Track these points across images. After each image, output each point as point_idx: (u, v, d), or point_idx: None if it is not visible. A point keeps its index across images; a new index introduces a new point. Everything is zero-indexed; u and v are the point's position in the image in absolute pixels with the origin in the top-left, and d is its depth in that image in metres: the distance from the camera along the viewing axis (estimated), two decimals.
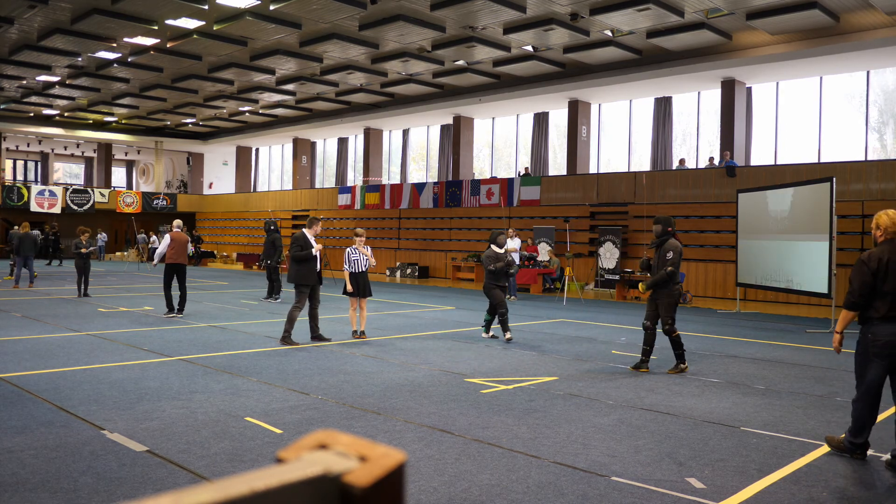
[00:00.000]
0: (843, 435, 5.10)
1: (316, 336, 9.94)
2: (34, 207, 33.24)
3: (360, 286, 10.07)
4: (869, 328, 4.89)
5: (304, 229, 9.88)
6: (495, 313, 10.36)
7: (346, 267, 10.05)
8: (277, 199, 34.71)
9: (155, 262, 13.08)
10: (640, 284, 8.72)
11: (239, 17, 18.13)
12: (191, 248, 13.02)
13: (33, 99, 29.87)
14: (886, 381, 5.02)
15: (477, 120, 28.94)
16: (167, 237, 12.49)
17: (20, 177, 43.27)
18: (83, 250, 15.75)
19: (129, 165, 46.28)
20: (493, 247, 10.45)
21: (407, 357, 8.83)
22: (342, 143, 34.84)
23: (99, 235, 35.53)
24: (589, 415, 6.09)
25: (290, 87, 26.41)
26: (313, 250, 9.62)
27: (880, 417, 6.26)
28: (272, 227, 16.03)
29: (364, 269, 10.13)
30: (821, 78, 20.53)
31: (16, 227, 22.54)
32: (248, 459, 4.74)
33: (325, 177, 36.92)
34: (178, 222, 13.11)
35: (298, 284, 9.68)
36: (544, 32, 18.88)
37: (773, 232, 14.30)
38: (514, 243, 17.97)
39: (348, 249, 10.19)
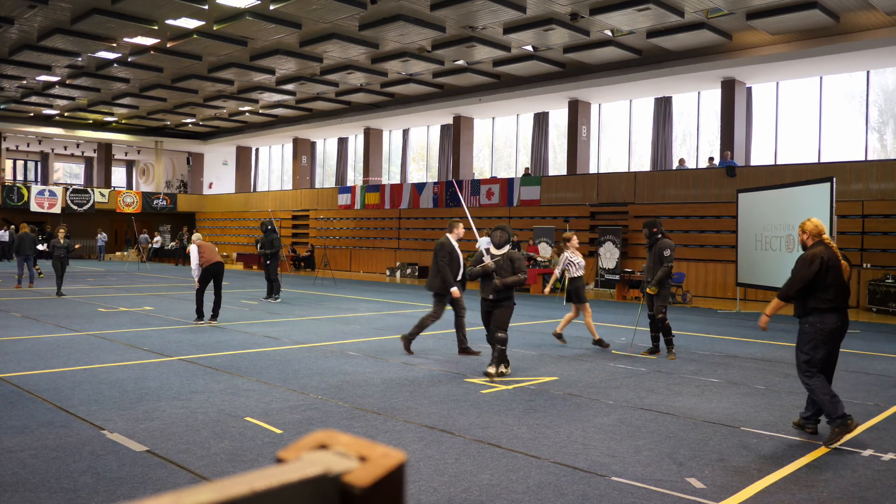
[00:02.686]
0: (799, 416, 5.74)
1: (464, 349, 9.05)
2: (34, 207, 33.24)
3: (580, 291, 9.76)
4: (817, 318, 5.47)
5: (447, 234, 9.24)
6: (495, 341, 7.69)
7: (565, 272, 9.80)
8: (277, 199, 34.71)
9: (196, 278, 11.63)
10: (647, 288, 9.09)
11: (239, 17, 18.13)
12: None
13: (33, 99, 29.87)
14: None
15: (477, 120, 28.94)
16: (194, 250, 11.69)
17: (20, 177, 43.27)
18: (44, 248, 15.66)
19: (129, 165, 46.28)
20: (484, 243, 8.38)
21: (407, 357, 8.83)
22: (342, 143, 34.84)
23: (99, 235, 35.54)
24: (589, 415, 6.09)
25: (290, 87, 26.41)
26: (485, 258, 7.79)
27: (881, 416, 6.26)
28: (269, 227, 15.97)
29: (580, 274, 9.81)
30: (821, 78, 20.53)
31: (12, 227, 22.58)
32: (248, 459, 4.74)
33: (325, 177, 36.92)
34: (197, 235, 12.47)
35: (439, 294, 9.01)
36: (544, 32, 18.88)
37: (773, 232, 14.29)
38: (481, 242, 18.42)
39: (566, 254, 9.91)
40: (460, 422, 5.75)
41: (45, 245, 16.26)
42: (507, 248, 7.65)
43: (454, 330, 9.22)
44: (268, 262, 15.79)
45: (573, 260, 9.88)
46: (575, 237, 10.10)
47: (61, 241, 16.28)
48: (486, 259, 7.57)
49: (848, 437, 5.38)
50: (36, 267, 22.61)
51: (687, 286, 18.91)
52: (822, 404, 5.33)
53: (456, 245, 9.10)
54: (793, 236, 13.67)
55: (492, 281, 7.55)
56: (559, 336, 10.06)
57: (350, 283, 22.51)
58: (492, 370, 7.54)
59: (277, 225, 30.53)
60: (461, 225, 9.48)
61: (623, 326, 12.40)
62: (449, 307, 9.12)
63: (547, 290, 10.67)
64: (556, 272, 10.28)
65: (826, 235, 5.62)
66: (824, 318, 5.43)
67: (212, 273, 11.62)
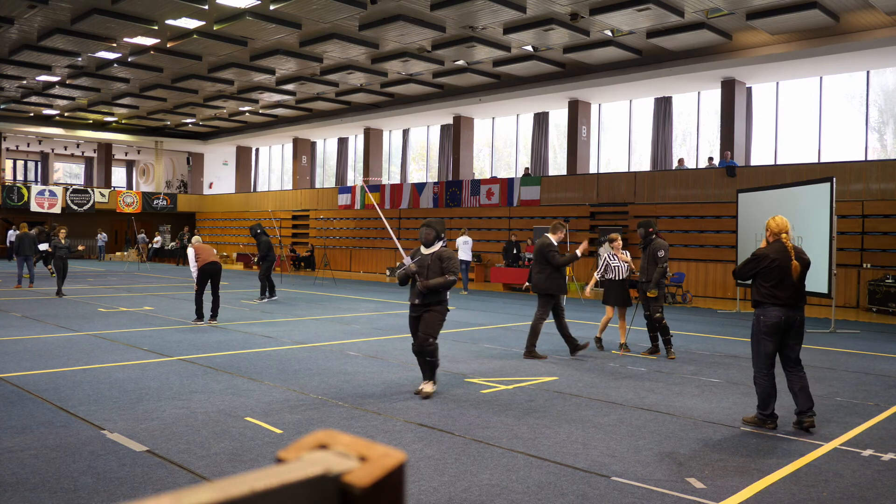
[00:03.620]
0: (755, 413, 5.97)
1: (576, 347, 9.07)
2: (34, 207, 33.24)
3: (620, 295, 9.48)
4: (761, 311, 5.82)
5: (546, 234, 9.25)
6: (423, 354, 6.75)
7: (603, 274, 9.59)
8: (277, 199, 34.71)
9: (195, 279, 11.60)
10: (648, 292, 9.14)
11: (239, 17, 18.13)
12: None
13: (33, 99, 29.87)
14: None
15: (477, 120, 28.94)
16: (191, 252, 11.68)
17: (20, 177, 43.27)
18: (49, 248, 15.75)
19: (129, 165, 46.28)
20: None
21: (407, 357, 8.83)
22: (342, 143, 34.84)
23: (99, 235, 35.53)
24: (589, 415, 6.09)
25: (290, 87, 26.40)
26: (405, 261, 7.30)
27: (881, 416, 6.26)
28: (259, 231, 15.88)
29: (623, 277, 9.51)
30: (821, 78, 20.53)
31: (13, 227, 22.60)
32: (248, 459, 4.74)
33: (325, 177, 36.92)
34: (196, 238, 12.52)
35: (548, 294, 8.92)
36: (544, 32, 18.88)
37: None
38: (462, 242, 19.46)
39: (605, 255, 9.72)
40: (460, 422, 5.75)
41: (49, 245, 16.28)
42: (437, 247, 6.74)
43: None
44: (261, 262, 15.82)
45: (610, 262, 9.65)
46: (619, 239, 9.77)
47: (62, 241, 16.30)
48: (407, 261, 6.65)
49: (758, 431, 5.70)
50: (49, 267, 22.84)
51: (687, 286, 18.91)
52: (757, 395, 5.85)
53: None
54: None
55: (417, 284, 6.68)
56: (599, 341, 9.72)
57: (350, 283, 22.52)
58: (430, 388, 6.63)
59: (277, 225, 30.57)
60: (564, 228, 9.53)
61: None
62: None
63: (588, 291, 10.41)
64: (597, 275, 10.13)
65: (785, 234, 5.87)
66: (767, 312, 5.77)
67: (209, 273, 11.61)
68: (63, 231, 16.60)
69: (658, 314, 9.05)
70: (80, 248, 17.25)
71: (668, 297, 17.10)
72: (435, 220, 6.85)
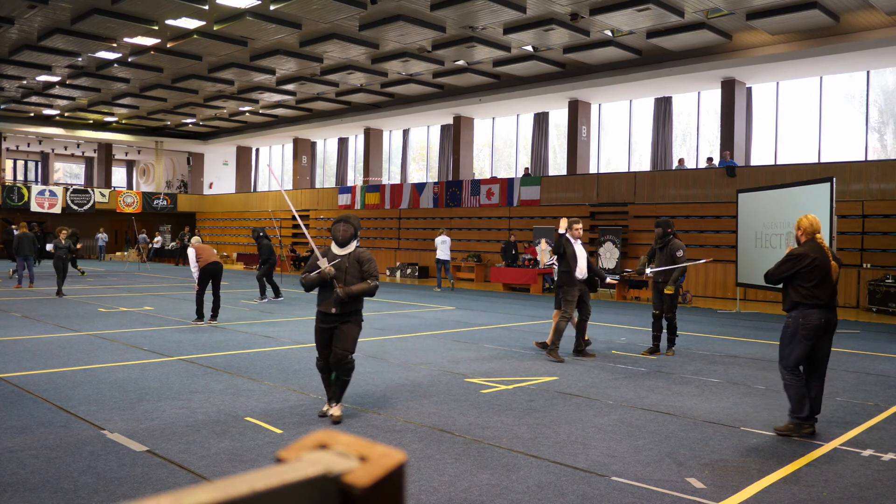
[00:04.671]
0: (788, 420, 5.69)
1: (581, 351, 9.07)
2: (34, 207, 33.24)
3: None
4: (800, 313, 5.61)
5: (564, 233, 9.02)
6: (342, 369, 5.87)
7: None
8: (277, 199, 34.71)
9: (196, 280, 11.55)
10: (665, 289, 9.14)
11: (239, 17, 18.13)
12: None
13: (33, 99, 29.87)
14: None
15: (477, 120, 28.94)
16: (191, 252, 11.63)
17: (20, 177, 43.27)
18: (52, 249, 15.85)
19: (130, 165, 46.28)
20: (332, 243, 6.02)
21: (407, 357, 8.83)
22: (342, 143, 34.84)
23: (99, 235, 35.53)
24: (589, 415, 6.09)
25: (290, 87, 26.41)
26: (320, 262, 7.15)
27: (881, 416, 6.26)
28: (261, 234, 15.90)
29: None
30: (821, 78, 20.53)
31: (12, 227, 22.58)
32: (248, 459, 4.74)
33: (325, 177, 36.92)
34: (197, 238, 12.48)
35: (566, 288, 8.85)
36: (544, 32, 18.87)
37: (774, 230, 14.29)
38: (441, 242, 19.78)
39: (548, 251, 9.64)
40: (460, 422, 5.75)
41: (51, 245, 16.30)
42: (353, 247, 5.86)
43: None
44: (262, 265, 15.77)
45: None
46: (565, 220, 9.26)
47: (62, 241, 16.33)
48: (322, 263, 5.72)
49: (797, 438, 5.51)
50: (79, 268, 23.00)
51: (687, 286, 18.91)
52: (790, 399, 5.61)
53: (576, 243, 9.00)
54: (793, 234, 13.66)
55: (332, 290, 5.76)
56: (587, 342, 9.55)
57: None
58: (339, 411, 5.80)
59: (277, 225, 30.55)
60: (579, 224, 9.25)
61: (623, 326, 12.40)
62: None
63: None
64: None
65: (819, 235, 5.72)
66: (807, 314, 5.57)
67: (210, 274, 11.61)
68: (65, 232, 16.63)
69: (671, 314, 9.21)
70: (77, 246, 17.26)
71: (683, 298, 17.12)
72: (353, 216, 6.05)
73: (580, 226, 9.19)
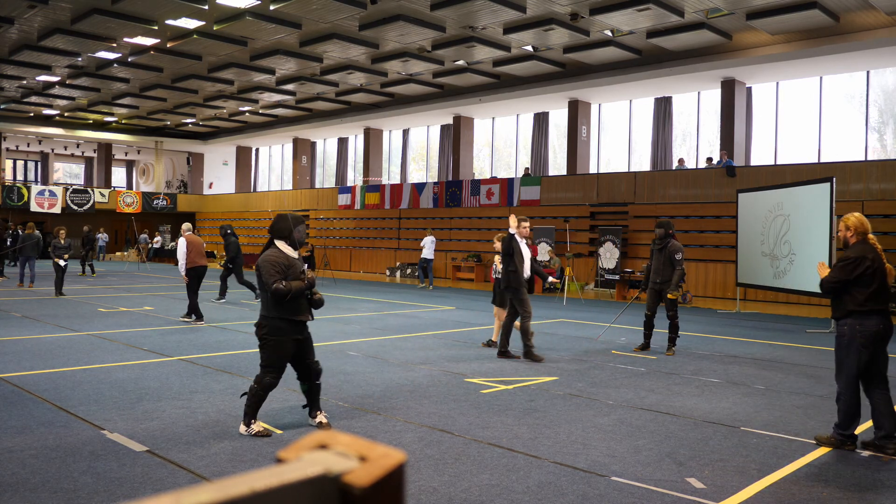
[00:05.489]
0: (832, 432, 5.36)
1: (503, 352, 8.87)
2: (34, 207, 33.24)
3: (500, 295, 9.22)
4: (857, 320, 5.24)
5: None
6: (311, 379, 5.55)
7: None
8: (277, 199, 34.71)
9: (184, 274, 11.69)
10: (668, 294, 9.23)
11: (239, 17, 18.12)
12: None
13: (33, 99, 29.87)
14: None
15: (477, 120, 28.94)
16: (182, 243, 11.64)
17: (20, 177, 43.26)
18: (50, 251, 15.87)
19: (129, 165, 46.28)
20: (280, 244, 5.42)
21: (407, 357, 8.83)
22: (342, 143, 34.84)
23: (99, 235, 35.53)
24: (589, 415, 6.09)
25: (290, 87, 26.40)
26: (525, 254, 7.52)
27: None
28: (229, 231, 15.75)
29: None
30: (821, 78, 20.53)
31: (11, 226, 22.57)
32: (248, 459, 4.75)
33: (325, 177, 36.92)
34: (187, 225, 12.42)
35: (515, 288, 8.65)
36: (544, 32, 18.87)
37: (773, 232, 14.29)
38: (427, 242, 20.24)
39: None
40: (460, 422, 5.75)
41: (50, 247, 16.31)
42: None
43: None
44: (230, 266, 15.32)
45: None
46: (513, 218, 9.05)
47: (62, 241, 16.36)
48: (301, 265, 5.38)
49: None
50: (88, 265, 23.04)
51: (687, 286, 18.90)
52: (840, 412, 5.28)
53: (522, 242, 8.84)
54: (792, 235, 13.66)
55: (303, 298, 5.33)
56: (491, 342, 9.69)
57: (350, 283, 22.52)
58: (325, 417, 5.56)
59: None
60: (527, 223, 9.02)
61: (623, 326, 12.39)
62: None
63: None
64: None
65: (871, 235, 5.39)
66: (865, 322, 5.22)
67: (201, 275, 11.78)
68: (63, 231, 16.66)
69: (672, 312, 9.29)
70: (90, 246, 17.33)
71: (683, 299, 17.14)
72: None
73: (528, 224, 9.02)
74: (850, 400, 5.23)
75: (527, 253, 8.87)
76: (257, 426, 5.26)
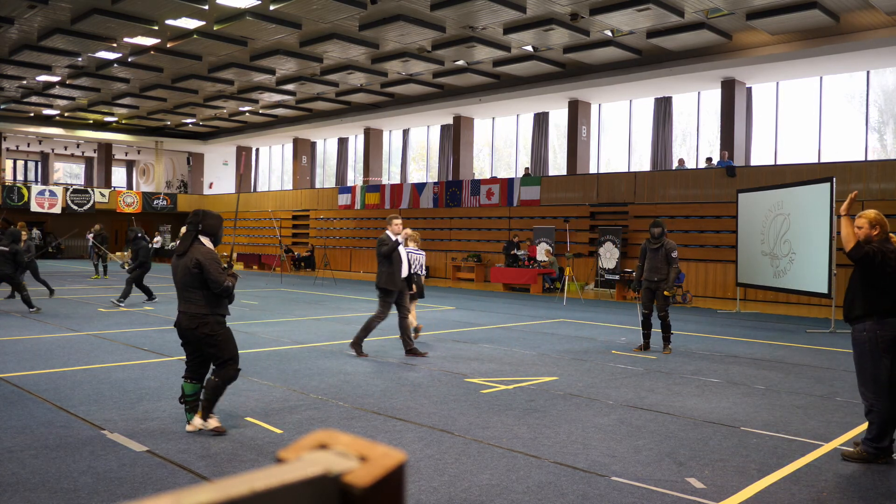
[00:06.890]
0: (859, 446, 5.00)
1: (411, 350, 8.88)
2: (34, 207, 33.23)
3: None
4: (876, 323, 4.94)
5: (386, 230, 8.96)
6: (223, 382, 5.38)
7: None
8: (277, 199, 34.71)
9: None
10: (665, 292, 9.37)
11: (239, 17, 18.12)
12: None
13: (33, 99, 29.87)
14: None
15: (477, 120, 28.93)
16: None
17: (20, 177, 43.25)
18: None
19: (129, 165, 46.27)
20: (206, 241, 5.38)
21: (407, 357, 8.83)
22: (342, 143, 34.84)
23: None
24: (589, 415, 6.09)
25: (290, 87, 26.40)
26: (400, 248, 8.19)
27: None
28: (139, 235, 15.35)
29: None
30: (821, 78, 20.53)
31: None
32: (248, 459, 4.75)
33: (325, 177, 36.92)
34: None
35: (385, 290, 8.74)
36: (544, 32, 18.87)
37: (773, 232, 14.29)
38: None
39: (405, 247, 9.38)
40: (460, 422, 5.75)
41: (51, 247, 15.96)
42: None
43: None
44: (135, 269, 14.76)
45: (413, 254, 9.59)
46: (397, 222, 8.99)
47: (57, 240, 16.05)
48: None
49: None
50: (107, 263, 22.97)
51: (687, 286, 18.90)
52: (872, 424, 4.93)
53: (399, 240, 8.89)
54: (792, 234, 13.66)
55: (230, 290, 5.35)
56: (416, 330, 9.86)
57: (350, 283, 22.52)
58: (209, 423, 5.31)
59: (278, 225, 30.52)
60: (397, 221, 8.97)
61: (623, 326, 12.40)
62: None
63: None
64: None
65: (893, 235, 5.09)
66: (884, 324, 4.93)
67: None
68: (25, 233, 15.53)
69: (663, 313, 9.42)
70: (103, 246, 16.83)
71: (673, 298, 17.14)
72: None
73: (401, 224, 9.04)
74: (885, 411, 4.88)
75: (404, 255, 9.07)
76: (214, 421, 5.29)
